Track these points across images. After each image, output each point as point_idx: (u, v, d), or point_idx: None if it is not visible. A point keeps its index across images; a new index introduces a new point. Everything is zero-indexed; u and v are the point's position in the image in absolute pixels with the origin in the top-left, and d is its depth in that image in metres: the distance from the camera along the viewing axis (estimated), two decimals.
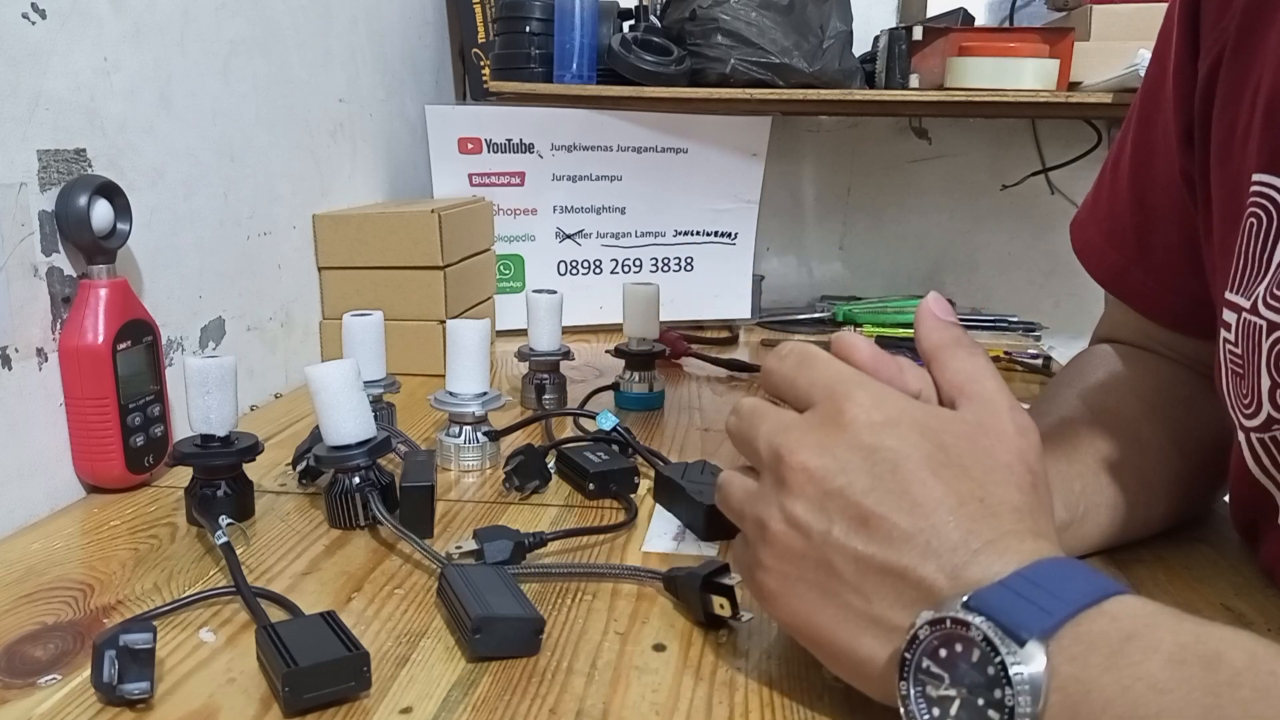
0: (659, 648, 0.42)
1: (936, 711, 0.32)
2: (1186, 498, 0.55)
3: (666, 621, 0.45)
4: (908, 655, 0.32)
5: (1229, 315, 0.46)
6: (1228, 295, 0.46)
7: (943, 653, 0.32)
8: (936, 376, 0.39)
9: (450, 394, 0.66)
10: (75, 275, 0.58)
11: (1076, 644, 0.30)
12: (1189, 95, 0.51)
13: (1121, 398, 0.55)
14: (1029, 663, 0.29)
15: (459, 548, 0.49)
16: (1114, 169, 0.59)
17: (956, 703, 0.31)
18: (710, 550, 0.53)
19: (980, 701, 0.30)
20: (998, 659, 0.30)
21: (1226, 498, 0.56)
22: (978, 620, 0.30)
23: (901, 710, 0.33)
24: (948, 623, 0.31)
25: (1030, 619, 0.30)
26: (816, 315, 1.25)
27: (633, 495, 0.60)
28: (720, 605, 0.43)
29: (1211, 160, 0.49)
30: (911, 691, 0.32)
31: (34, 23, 0.55)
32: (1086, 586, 0.31)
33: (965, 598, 0.31)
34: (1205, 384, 0.55)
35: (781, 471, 0.36)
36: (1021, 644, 0.30)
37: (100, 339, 0.57)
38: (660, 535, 0.55)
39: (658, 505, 0.60)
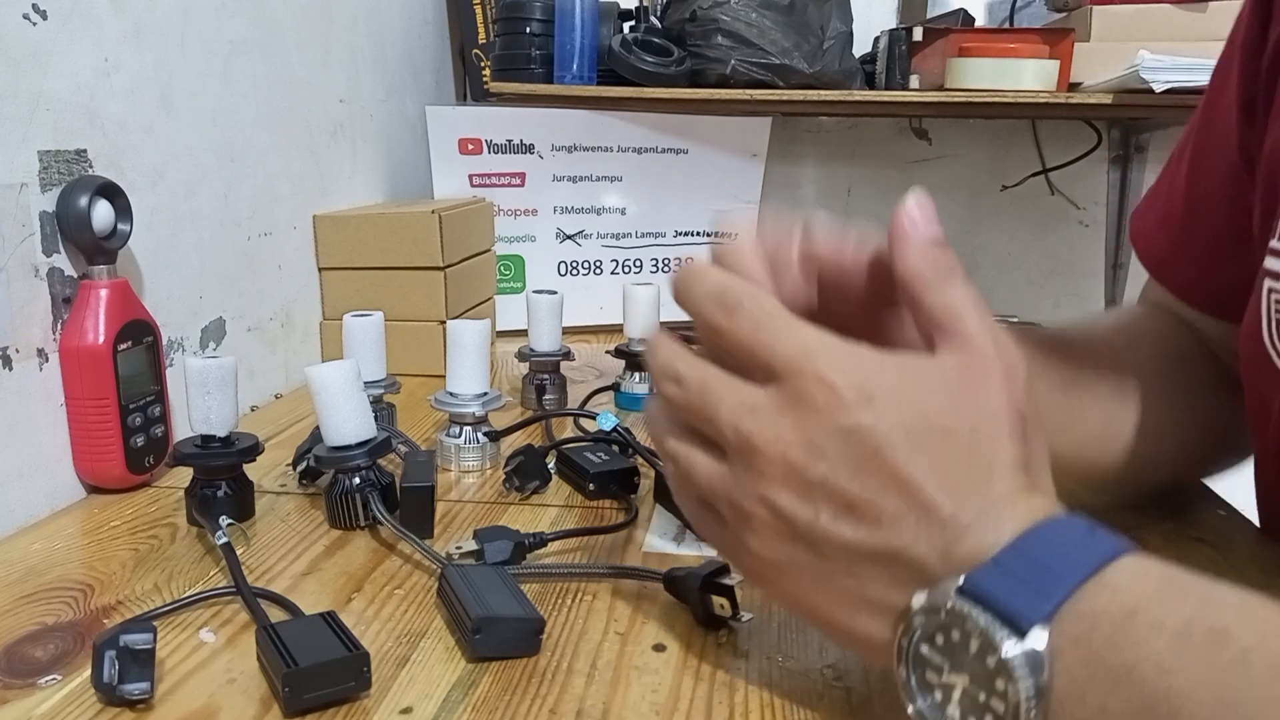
0: (659, 648, 0.42)
1: (938, 696, 0.31)
2: (1177, 459, 0.56)
3: (666, 622, 0.45)
4: (904, 642, 0.32)
5: (1273, 263, 0.47)
6: (1273, 244, 0.47)
7: (939, 639, 0.31)
8: (913, 312, 0.35)
9: (450, 394, 0.66)
10: (76, 276, 0.58)
11: (1078, 623, 0.29)
12: (1255, 64, 0.51)
13: (1144, 352, 0.56)
14: (1031, 653, 0.29)
15: (459, 548, 0.49)
16: (1177, 157, 0.60)
17: (958, 690, 0.31)
18: (710, 550, 0.53)
19: (982, 692, 0.30)
20: (998, 652, 0.29)
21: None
22: (974, 612, 0.29)
23: (902, 695, 0.32)
24: (943, 614, 0.30)
25: (1028, 604, 0.29)
26: None
27: (633, 495, 0.60)
28: (720, 605, 0.43)
29: (1271, 121, 0.49)
30: (911, 677, 0.32)
31: (34, 23, 0.55)
32: (1083, 555, 0.30)
33: (960, 581, 0.30)
34: (1224, 369, 0.56)
35: (757, 462, 0.34)
36: (1022, 634, 0.29)
37: (101, 339, 0.57)
38: (660, 535, 0.55)
39: (658, 505, 0.60)
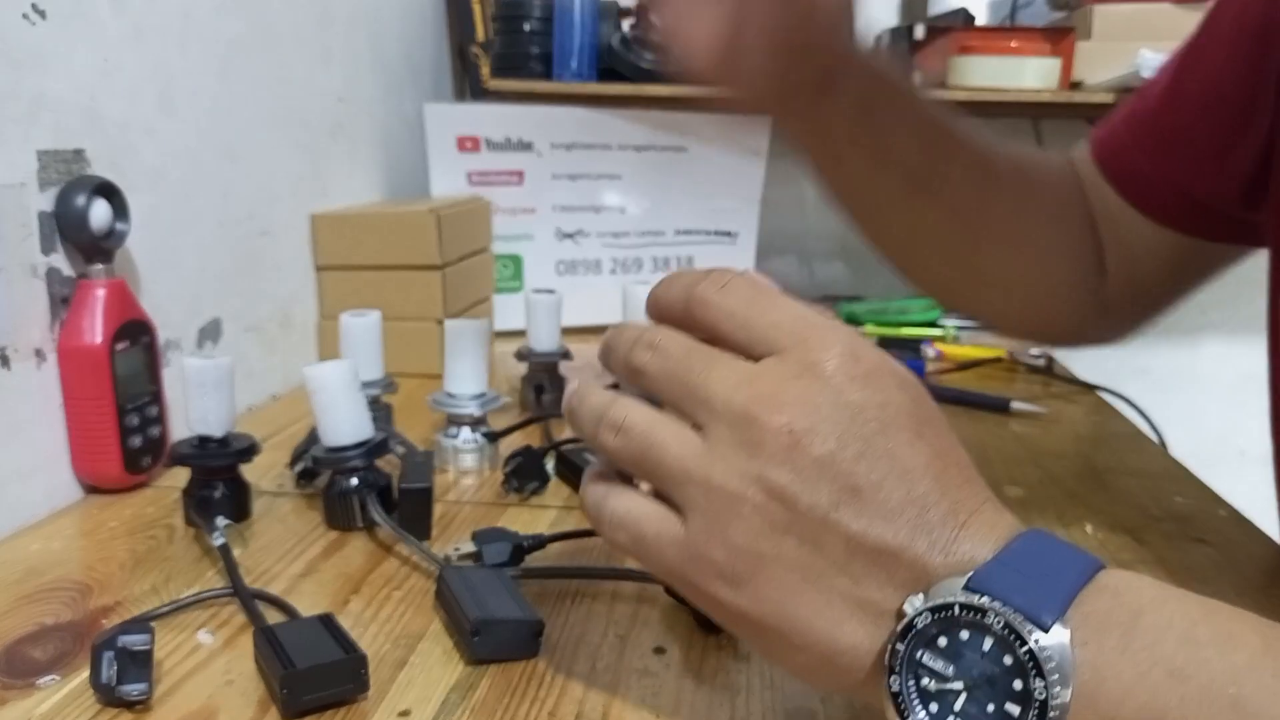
0: (659, 650, 0.42)
1: (935, 707, 0.29)
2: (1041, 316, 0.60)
3: (667, 624, 0.45)
4: (899, 647, 0.29)
5: None
6: None
7: (942, 641, 0.29)
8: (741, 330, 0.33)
9: (448, 395, 0.66)
10: (74, 275, 0.58)
11: (1085, 625, 0.27)
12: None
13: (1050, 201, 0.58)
14: (1057, 648, 0.27)
15: (457, 549, 0.49)
16: (1164, 65, 0.58)
17: (962, 697, 0.29)
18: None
19: (993, 693, 0.28)
20: (1024, 648, 0.27)
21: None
22: (994, 605, 0.27)
23: (889, 707, 0.30)
24: (955, 609, 0.28)
25: (1047, 599, 0.27)
26: None
27: None
28: None
29: None
30: (905, 687, 0.29)
31: (34, 23, 0.55)
32: (1078, 561, 0.29)
33: (966, 579, 0.28)
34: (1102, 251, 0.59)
35: (755, 434, 0.30)
36: (1046, 629, 0.27)
37: (98, 339, 0.57)
38: None
39: None
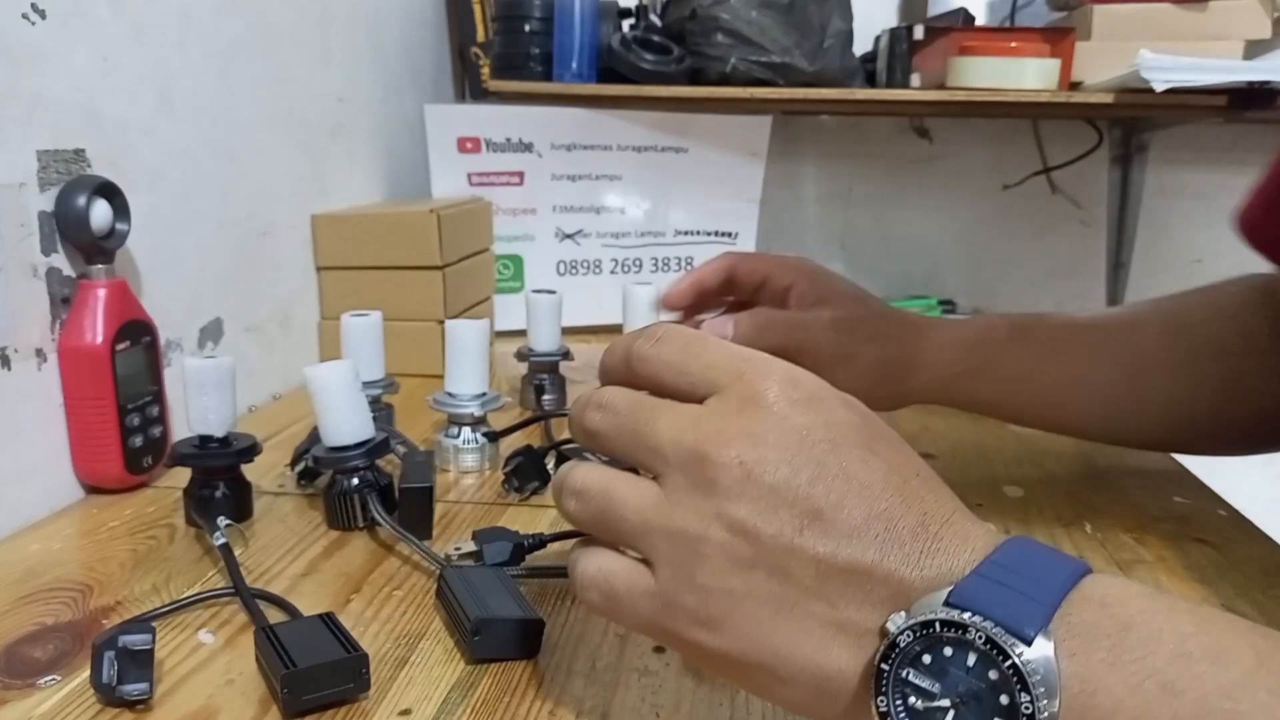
0: (659, 649, 0.42)
1: None
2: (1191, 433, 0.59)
3: None
4: (885, 666, 0.29)
5: None
6: None
7: (927, 659, 0.28)
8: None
9: (449, 395, 0.66)
10: (74, 276, 0.58)
11: (1072, 637, 0.27)
12: None
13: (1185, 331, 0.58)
14: (1041, 661, 0.27)
15: (458, 549, 0.49)
16: None
17: (950, 714, 0.28)
18: None
19: (981, 709, 0.28)
20: (1007, 662, 0.27)
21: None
22: (975, 620, 0.27)
23: None
24: (936, 626, 0.28)
25: (1029, 612, 0.27)
26: None
27: None
28: None
29: None
30: (893, 707, 0.29)
31: (34, 23, 0.55)
32: (1061, 570, 0.29)
33: (945, 594, 0.28)
34: None
35: (708, 472, 0.30)
36: (1029, 642, 0.27)
37: (99, 339, 0.57)
38: None
39: None
